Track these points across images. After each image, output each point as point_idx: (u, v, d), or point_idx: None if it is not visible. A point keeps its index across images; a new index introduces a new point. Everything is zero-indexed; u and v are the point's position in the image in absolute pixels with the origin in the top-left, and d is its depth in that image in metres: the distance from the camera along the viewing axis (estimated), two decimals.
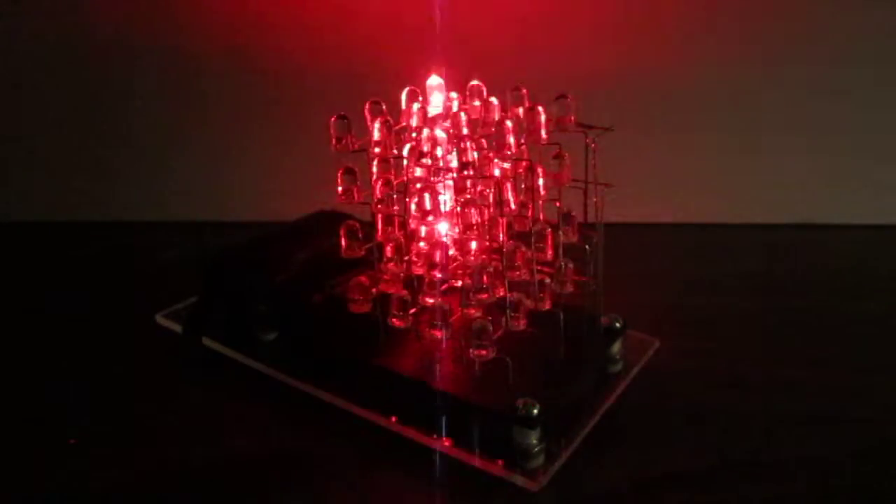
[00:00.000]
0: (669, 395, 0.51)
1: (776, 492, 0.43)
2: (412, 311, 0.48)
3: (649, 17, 0.73)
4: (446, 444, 0.45)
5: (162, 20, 0.75)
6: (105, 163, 0.80)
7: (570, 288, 0.50)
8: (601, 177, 0.49)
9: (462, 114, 0.50)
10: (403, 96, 0.51)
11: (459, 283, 0.49)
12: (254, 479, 0.44)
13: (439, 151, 0.48)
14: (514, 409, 0.42)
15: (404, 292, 0.48)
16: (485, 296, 0.46)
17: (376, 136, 0.48)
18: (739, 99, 0.75)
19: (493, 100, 0.50)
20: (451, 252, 0.49)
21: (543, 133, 0.48)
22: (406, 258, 0.49)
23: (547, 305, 0.48)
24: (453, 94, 0.52)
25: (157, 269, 0.69)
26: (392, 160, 0.49)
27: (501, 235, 0.47)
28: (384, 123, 0.48)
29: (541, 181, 0.48)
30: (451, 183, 0.49)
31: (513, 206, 0.49)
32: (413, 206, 0.48)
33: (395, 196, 0.49)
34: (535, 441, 0.43)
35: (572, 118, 0.49)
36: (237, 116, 0.78)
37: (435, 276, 0.47)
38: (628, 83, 0.74)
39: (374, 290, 0.49)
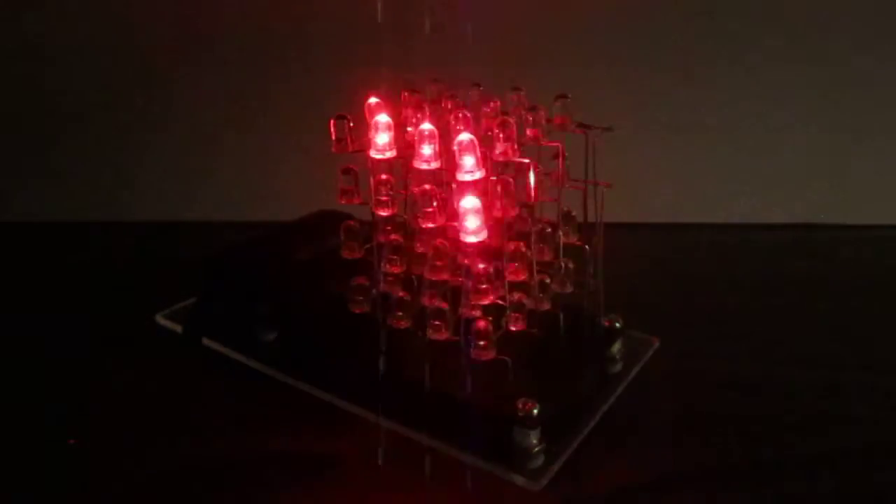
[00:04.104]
0: (669, 394, 0.51)
1: (776, 492, 0.43)
2: (412, 311, 0.48)
3: (649, 17, 0.73)
4: (446, 444, 0.45)
5: (162, 20, 0.75)
6: (105, 163, 0.80)
7: (570, 288, 0.50)
8: (601, 177, 0.49)
9: (461, 114, 0.50)
10: (403, 97, 0.51)
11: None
12: (254, 479, 0.44)
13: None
14: (514, 409, 0.42)
15: (404, 293, 0.48)
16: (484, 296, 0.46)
17: (376, 135, 0.48)
18: (739, 99, 0.75)
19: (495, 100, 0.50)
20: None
21: (543, 133, 0.48)
22: (406, 258, 0.49)
23: (547, 305, 0.48)
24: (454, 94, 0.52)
25: (157, 269, 0.69)
26: (392, 160, 0.49)
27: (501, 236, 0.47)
28: (384, 123, 0.48)
29: (540, 181, 0.48)
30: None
31: (513, 207, 0.49)
32: (413, 207, 0.48)
33: (394, 196, 0.49)
34: (535, 441, 0.43)
35: (572, 118, 0.49)
36: (237, 117, 0.78)
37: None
38: (628, 83, 0.74)
39: (373, 290, 0.49)
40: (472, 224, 0.44)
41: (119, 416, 0.50)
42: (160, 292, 0.61)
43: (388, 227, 0.49)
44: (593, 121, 0.49)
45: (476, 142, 0.44)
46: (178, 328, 0.57)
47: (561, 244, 0.49)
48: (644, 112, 0.75)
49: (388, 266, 0.49)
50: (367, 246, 0.50)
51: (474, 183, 0.44)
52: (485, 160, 0.48)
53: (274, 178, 0.79)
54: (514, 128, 0.46)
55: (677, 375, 0.53)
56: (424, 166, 0.46)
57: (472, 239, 0.44)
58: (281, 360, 0.52)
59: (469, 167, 0.44)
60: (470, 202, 0.43)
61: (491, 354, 0.45)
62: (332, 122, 0.48)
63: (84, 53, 0.76)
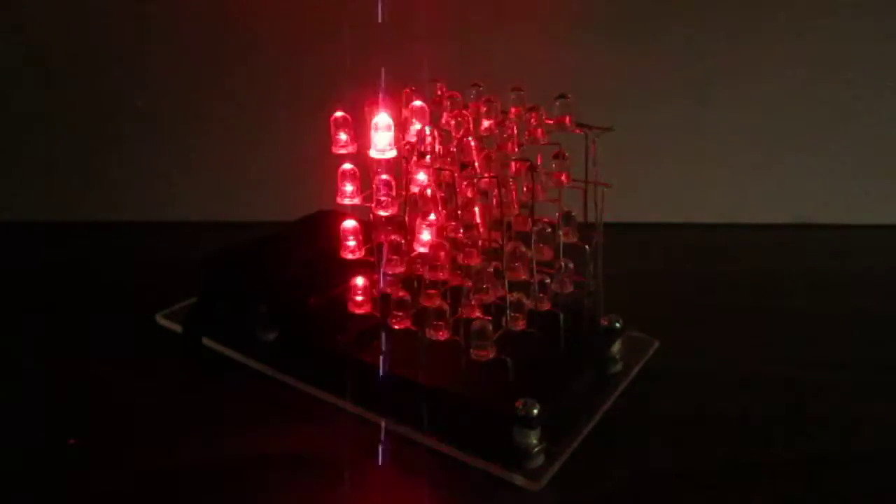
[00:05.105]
0: (669, 394, 0.51)
1: (776, 491, 0.43)
2: (412, 311, 0.48)
3: (649, 18, 0.73)
4: (446, 443, 0.45)
5: (164, 20, 0.75)
6: (106, 163, 0.80)
7: (570, 288, 0.50)
8: (601, 177, 0.49)
9: (462, 114, 0.50)
10: (403, 96, 0.51)
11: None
12: (254, 479, 0.44)
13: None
14: (514, 409, 0.42)
15: (404, 293, 0.48)
16: (485, 296, 0.46)
17: (376, 135, 0.48)
18: (739, 99, 0.75)
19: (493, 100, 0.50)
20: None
21: (543, 133, 0.48)
22: (406, 258, 0.49)
23: (547, 305, 0.48)
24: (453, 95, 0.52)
25: (157, 269, 0.69)
26: (392, 160, 0.49)
27: (501, 236, 0.47)
28: (384, 123, 0.48)
29: (541, 181, 0.48)
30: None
31: (513, 207, 0.49)
32: (412, 207, 0.48)
33: (394, 196, 0.49)
34: (535, 441, 0.43)
35: (572, 118, 0.49)
36: (237, 117, 0.78)
37: (436, 276, 0.47)
38: (628, 83, 0.74)
39: (374, 290, 0.49)
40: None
41: (119, 415, 0.50)
42: (160, 292, 0.61)
43: (388, 227, 0.49)
44: (593, 121, 0.49)
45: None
46: (178, 328, 0.57)
47: (561, 244, 0.49)
48: (644, 111, 0.75)
49: (388, 266, 0.49)
50: (367, 246, 0.50)
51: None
52: (487, 161, 0.49)
53: (274, 179, 0.79)
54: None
55: (677, 375, 0.53)
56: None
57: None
58: (281, 360, 0.52)
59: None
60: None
61: (491, 354, 0.45)
62: (332, 121, 0.48)
63: (83, 53, 0.76)
